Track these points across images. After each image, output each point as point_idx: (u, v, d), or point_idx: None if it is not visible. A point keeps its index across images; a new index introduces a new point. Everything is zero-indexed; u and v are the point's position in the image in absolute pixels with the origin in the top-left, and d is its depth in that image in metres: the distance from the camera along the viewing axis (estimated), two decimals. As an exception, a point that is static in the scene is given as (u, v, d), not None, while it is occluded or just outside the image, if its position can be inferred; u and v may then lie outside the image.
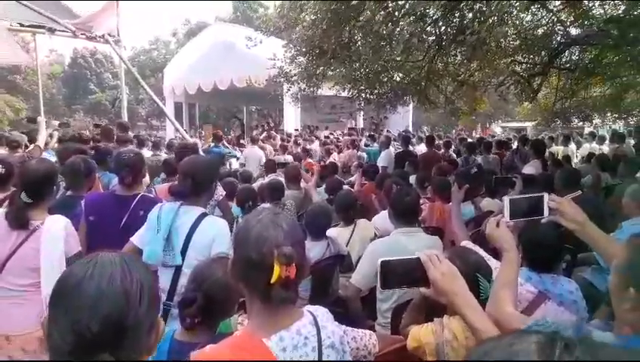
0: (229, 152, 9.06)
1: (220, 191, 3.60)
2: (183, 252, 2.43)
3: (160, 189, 3.91)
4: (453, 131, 22.20)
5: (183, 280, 2.31)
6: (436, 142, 10.56)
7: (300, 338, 1.38)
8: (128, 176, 3.00)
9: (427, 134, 13.39)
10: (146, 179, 5.14)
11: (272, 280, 1.27)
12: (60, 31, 10.22)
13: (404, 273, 1.39)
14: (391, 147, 9.41)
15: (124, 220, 2.91)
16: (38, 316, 2.32)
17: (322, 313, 1.51)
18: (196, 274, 1.83)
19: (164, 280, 2.43)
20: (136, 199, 2.99)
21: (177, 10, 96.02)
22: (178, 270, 2.43)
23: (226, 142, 10.46)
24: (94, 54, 40.98)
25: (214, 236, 2.44)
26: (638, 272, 1.23)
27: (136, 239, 2.58)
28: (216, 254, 2.07)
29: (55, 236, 2.44)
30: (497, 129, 26.32)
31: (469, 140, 12.40)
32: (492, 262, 2.14)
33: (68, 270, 1.06)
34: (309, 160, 9.24)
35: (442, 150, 9.98)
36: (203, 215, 2.54)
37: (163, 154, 7.27)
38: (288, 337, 1.36)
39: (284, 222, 1.37)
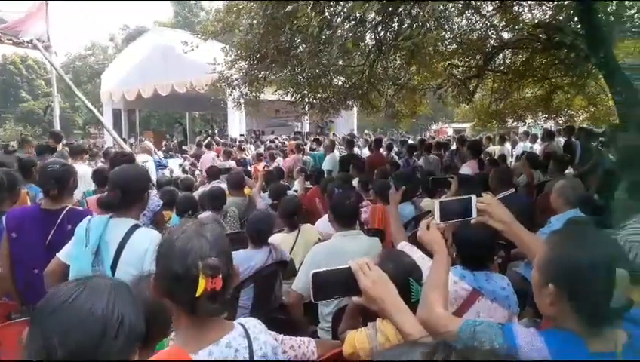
0: (159, 162, 8.71)
1: (157, 202, 3.47)
2: (113, 266, 2.29)
3: (91, 201, 3.73)
4: (402, 133, 22.69)
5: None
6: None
7: (229, 351, 1.35)
8: (54, 188, 2.82)
9: (373, 137, 13.61)
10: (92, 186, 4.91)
11: (198, 293, 1.24)
12: (-17, 36, 9.67)
13: (336, 283, 1.39)
14: (335, 150, 9.49)
15: (50, 236, 2.73)
16: None
17: (253, 324, 1.48)
18: None
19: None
20: (64, 213, 2.80)
21: (114, 14, 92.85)
22: (108, 286, 2.30)
23: (157, 151, 10.12)
24: (25, 60, 38.92)
25: (147, 249, 2.29)
26: (557, 268, 1.28)
27: (62, 255, 2.42)
28: (145, 271, 1.98)
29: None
30: (449, 130, 27.35)
31: (410, 142, 12.71)
32: (426, 261, 2.17)
33: (55, 289, 1.06)
34: (262, 163, 9.14)
35: (384, 152, 10.18)
36: (135, 227, 2.40)
37: (99, 164, 6.98)
38: (217, 351, 1.33)
39: (209, 233, 1.34)
